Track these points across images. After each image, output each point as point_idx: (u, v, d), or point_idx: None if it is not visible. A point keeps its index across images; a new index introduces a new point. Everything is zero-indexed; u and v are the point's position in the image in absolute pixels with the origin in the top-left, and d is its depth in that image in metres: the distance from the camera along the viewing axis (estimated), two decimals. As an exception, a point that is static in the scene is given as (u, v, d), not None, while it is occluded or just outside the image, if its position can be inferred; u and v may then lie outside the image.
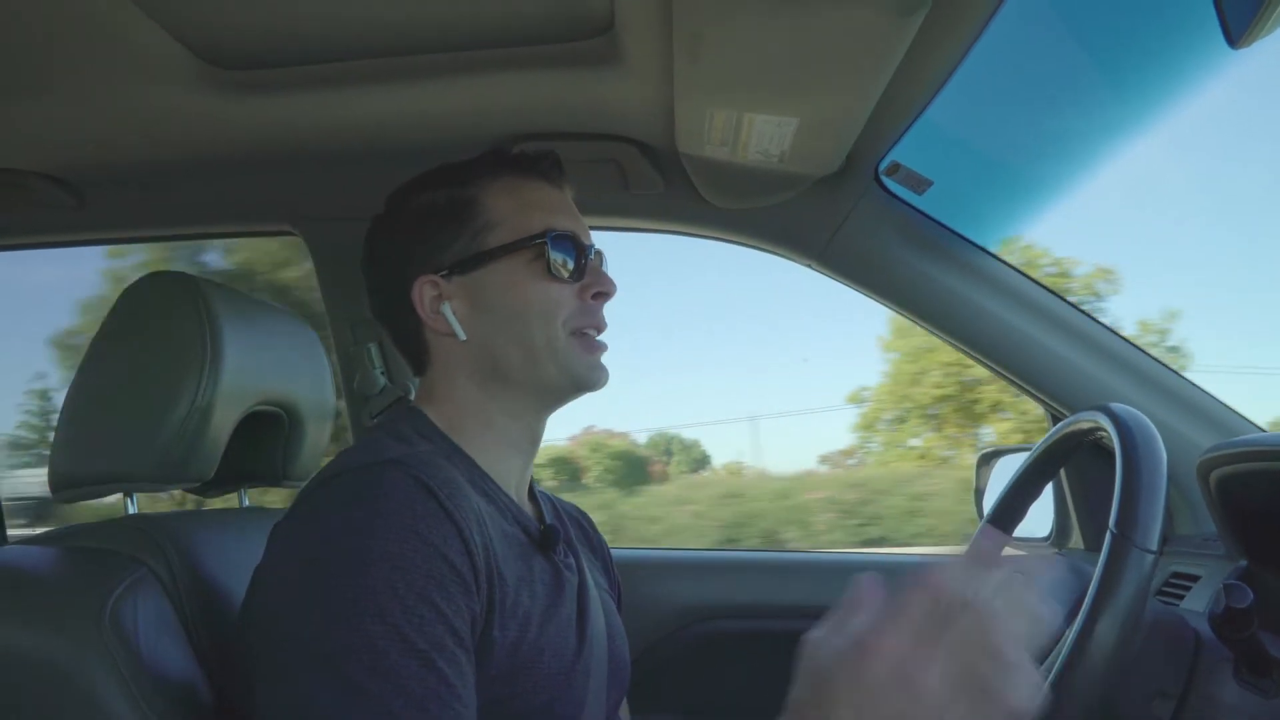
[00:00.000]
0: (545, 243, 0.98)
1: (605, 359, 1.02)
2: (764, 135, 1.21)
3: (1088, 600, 0.83)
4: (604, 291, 1.01)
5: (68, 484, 1.05)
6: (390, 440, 0.93)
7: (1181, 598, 1.19)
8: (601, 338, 1.02)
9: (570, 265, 0.99)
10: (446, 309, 0.98)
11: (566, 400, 1.02)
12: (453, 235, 1.00)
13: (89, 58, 1.15)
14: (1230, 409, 1.47)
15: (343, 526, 0.78)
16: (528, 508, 1.03)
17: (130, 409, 1.03)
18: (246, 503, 1.28)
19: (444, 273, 0.99)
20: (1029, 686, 0.57)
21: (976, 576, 0.60)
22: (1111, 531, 0.85)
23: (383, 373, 1.59)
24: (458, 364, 1.00)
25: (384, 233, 1.05)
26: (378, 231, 1.06)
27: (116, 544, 0.95)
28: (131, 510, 1.06)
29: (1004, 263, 1.49)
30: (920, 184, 1.42)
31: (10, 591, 0.88)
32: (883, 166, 1.41)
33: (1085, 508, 1.63)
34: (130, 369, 1.05)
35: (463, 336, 0.98)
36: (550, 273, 0.98)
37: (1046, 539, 1.69)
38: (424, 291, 0.99)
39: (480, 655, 0.81)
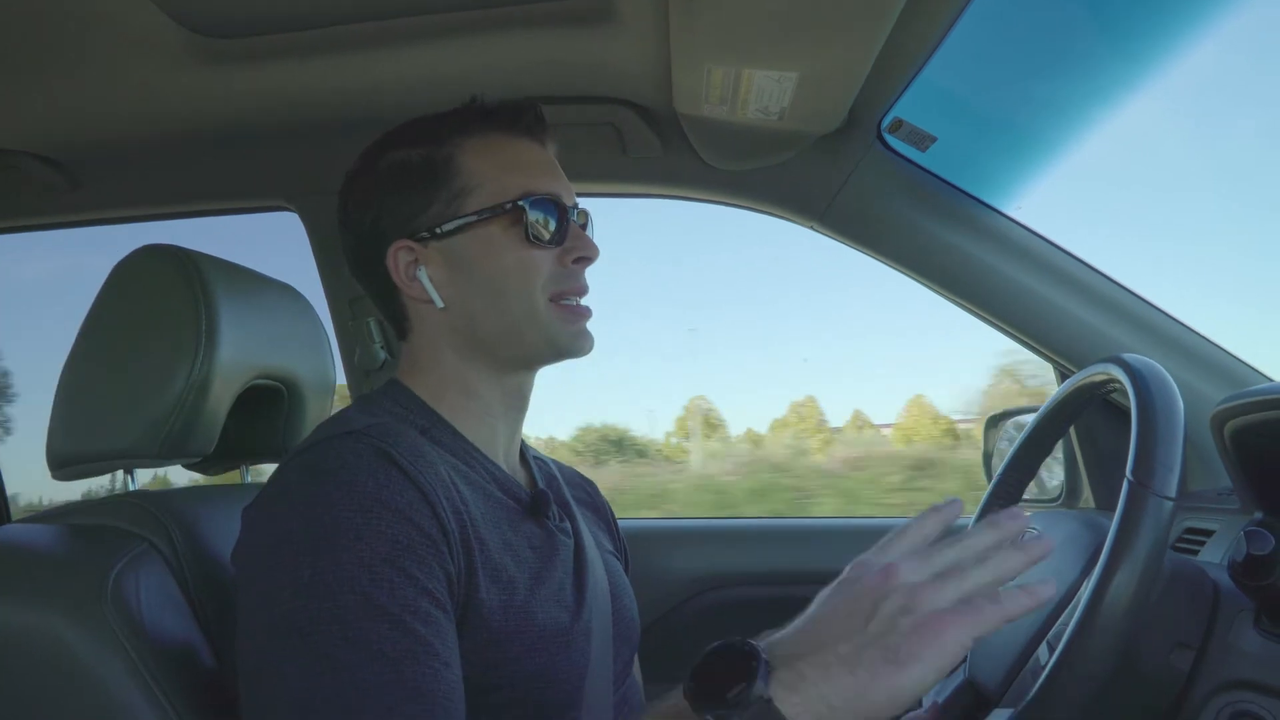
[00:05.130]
0: (524, 208, 0.94)
1: (590, 325, 0.99)
2: (763, 92, 1.18)
3: (1105, 550, 0.81)
4: (585, 256, 0.97)
5: (66, 462, 1.04)
6: (357, 414, 0.92)
7: (1196, 553, 1.18)
8: (586, 302, 0.99)
9: (550, 229, 0.95)
10: (423, 275, 0.95)
11: (548, 364, 1.00)
12: (428, 199, 0.95)
13: (74, 32, 1.13)
14: (1240, 360, 1.45)
15: (304, 501, 0.78)
16: (519, 474, 1.02)
17: (127, 385, 1.02)
18: (249, 479, 1.26)
19: (420, 237, 0.95)
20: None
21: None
22: (1128, 480, 0.84)
23: (382, 347, 1.58)
24: (437, 331, 0.97)
25: (358, 192, 0.99)
26: (352, 191, 1.00)
27: (117, 520, 0.94)
28: (132, 487, 1.05)
29: (1010, 219, 1.47)
30: (924, 140, 1.40)
31: (13, 569, 0.88)
32: (885, 123, 1.38)
33: (1096, 466, 1.61)
34: (125, 344, 1.03)
35: (440, 305, 0.95)
36: (529, 238, 0.94)
37: (1056, 499, 1.68)
38: (399, 258, 0.95)
39: (469, 617, 0.81)
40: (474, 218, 0.94)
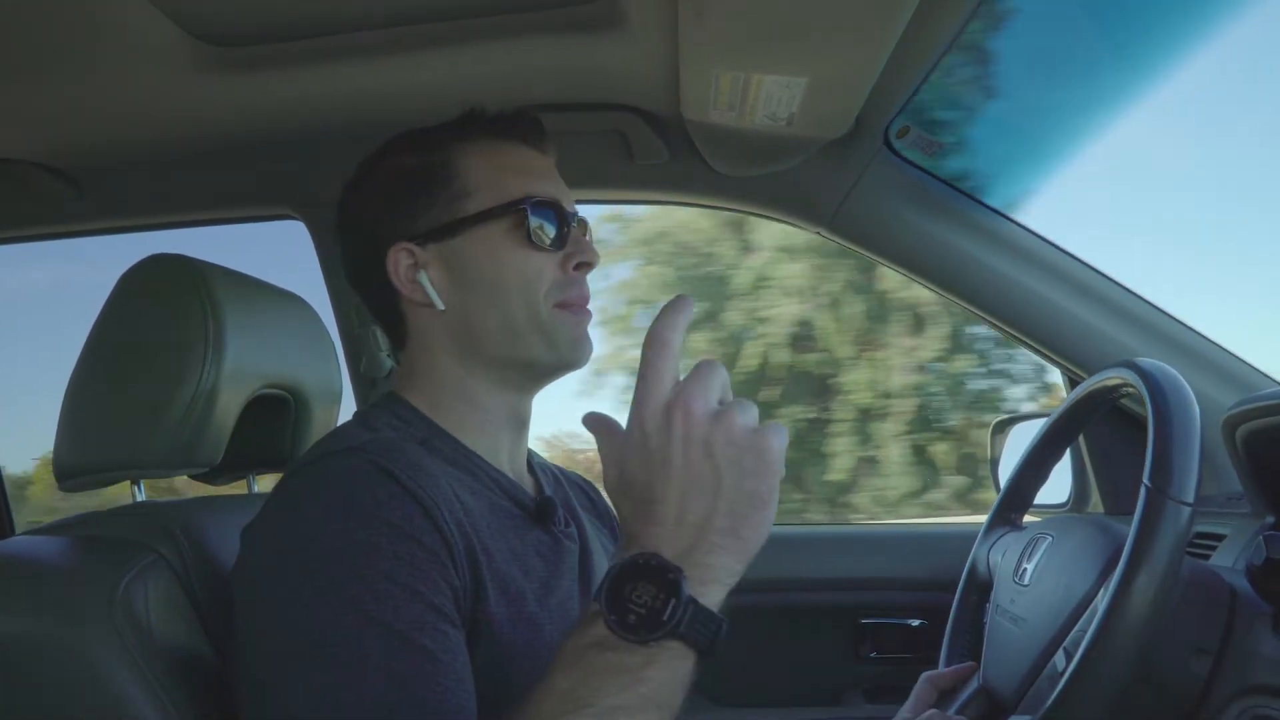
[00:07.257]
0: (525, 209, 0.93)
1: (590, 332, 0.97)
2: (772, 97, 1.18)
3: (1125, 556, 0.81)
4: (587, 262, 0.96)
5: (73, 473, 1.03)
6: (356, 429, 0.91)
7: (1207, 557, 1.17)
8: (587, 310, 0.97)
9: (551, 233, 0.94)
10: (423, 278, 0.94)
11: (547, 378, 0.98)
12: (427, 201, 0.95)
13: (80, 40, 1.13)
14: (1250, 365, 1.45)
15: (303, 520, 0.77)
16: (526, 482, 1.01)
17: (134, 395, 1.01)
18: (256, 489, 1.26)
19: (419, 240, 0.95)
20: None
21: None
22: (1146, 486, 0.83)
23: (389, 355, 1.57)
24: (435, 337, 0.96)
25: (356, 200, 1.00)
26: (350, 199, 1.01)
27: (126, 531, 0.94)
28: (140, 497, 1.05)
29: (1017, 224, 1.47)
30: (931, 146, 1.40)
31: (22, 581, 0.87)
32: (893, 129, 1.38)
33: (1104, 470, 1.61)
34: (132, 354, 1.03)
35: (440, 307, 0.94)
36: (530, 241, 0.93)
37: (1064, 504, 1.67)
38: (399, 260, 0.95)
39: (479, 630, 0.80)
40: (475, 219, 0.94)
